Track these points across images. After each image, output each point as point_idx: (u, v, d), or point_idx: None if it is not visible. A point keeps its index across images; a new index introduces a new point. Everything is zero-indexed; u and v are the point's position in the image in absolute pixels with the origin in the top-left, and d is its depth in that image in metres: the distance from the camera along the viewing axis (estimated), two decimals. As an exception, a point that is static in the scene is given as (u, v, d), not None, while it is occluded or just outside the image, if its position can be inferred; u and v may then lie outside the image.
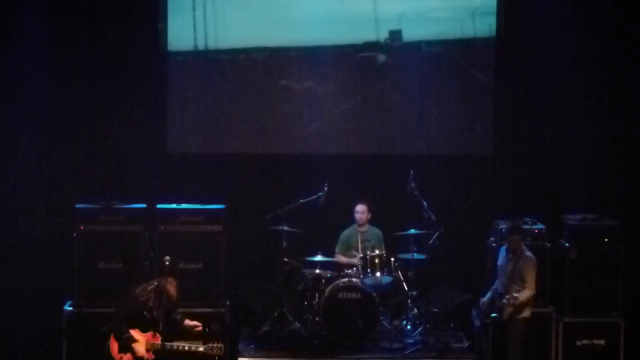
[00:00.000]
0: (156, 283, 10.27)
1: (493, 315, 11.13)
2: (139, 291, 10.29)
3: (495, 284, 11.13)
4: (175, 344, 10.24)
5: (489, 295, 11.15)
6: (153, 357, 10.19)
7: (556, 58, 12.61)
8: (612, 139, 12.64)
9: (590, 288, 11.53)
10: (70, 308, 11.43)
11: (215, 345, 10.36)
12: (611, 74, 12.59)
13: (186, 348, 10.28)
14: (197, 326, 10.49)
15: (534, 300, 10.91)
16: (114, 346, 10.15)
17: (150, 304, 10.23)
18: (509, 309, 10.75)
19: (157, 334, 10.17)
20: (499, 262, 11.09)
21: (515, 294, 10.72)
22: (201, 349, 10.34)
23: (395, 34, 12.71)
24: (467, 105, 12.83)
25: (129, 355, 10.16)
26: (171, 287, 10.23)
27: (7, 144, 12.35)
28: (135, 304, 10.24)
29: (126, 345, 10.15)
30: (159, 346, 10.14)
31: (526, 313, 10.84)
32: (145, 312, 10.21)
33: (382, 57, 12.81)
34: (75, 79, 12.50)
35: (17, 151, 12.36)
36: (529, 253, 10.95)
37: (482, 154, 12.83)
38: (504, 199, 12.68)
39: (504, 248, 11.12)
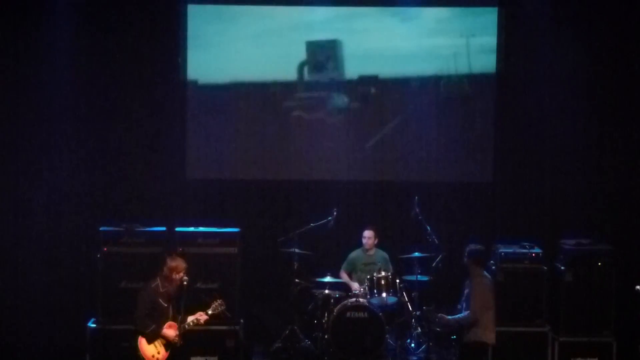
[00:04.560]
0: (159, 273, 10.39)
1: (453, 337, 11.29)
2: (153, 286, 10.32)
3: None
4: (190, 320, 10.36)
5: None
6: (181, 342, 10.30)
7: (554, 89, 12.77)
8: (607, 168, 12.80)
9: (585, 309, 11.66)
10: (94, 325, 11.56)
11: (217, 303, 10.52)
12: (609, 105, 12.72)
13: (202, 321, 10.42)
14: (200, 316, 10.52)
15: (487, 326, 10.63)
16: (142, 342, 10.23)
17: (161, 289, 10.31)
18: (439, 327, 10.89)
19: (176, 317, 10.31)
20: None
21: (444, 315, 10.73)
22: (210, 311, 10.47)
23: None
24: (468, 136, 13.06)
25: (160, 347, 10.23)
26: (172, 262, 10.36)
27: (35, 172, 12.54)
28: (149, 295, 10.27)
29: (153, 336, 10.21)
30: (183, 328, 10.27)
31: (484, 338, 10.60)
32: (160, 300, 10.26)
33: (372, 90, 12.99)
34: (98, 109, 12.67)
35: (45, 179, 12.52)
36: (481, 279, 10.66)
37: (482, 181, 13.02)
38: (503, 224, 12.83)
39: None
